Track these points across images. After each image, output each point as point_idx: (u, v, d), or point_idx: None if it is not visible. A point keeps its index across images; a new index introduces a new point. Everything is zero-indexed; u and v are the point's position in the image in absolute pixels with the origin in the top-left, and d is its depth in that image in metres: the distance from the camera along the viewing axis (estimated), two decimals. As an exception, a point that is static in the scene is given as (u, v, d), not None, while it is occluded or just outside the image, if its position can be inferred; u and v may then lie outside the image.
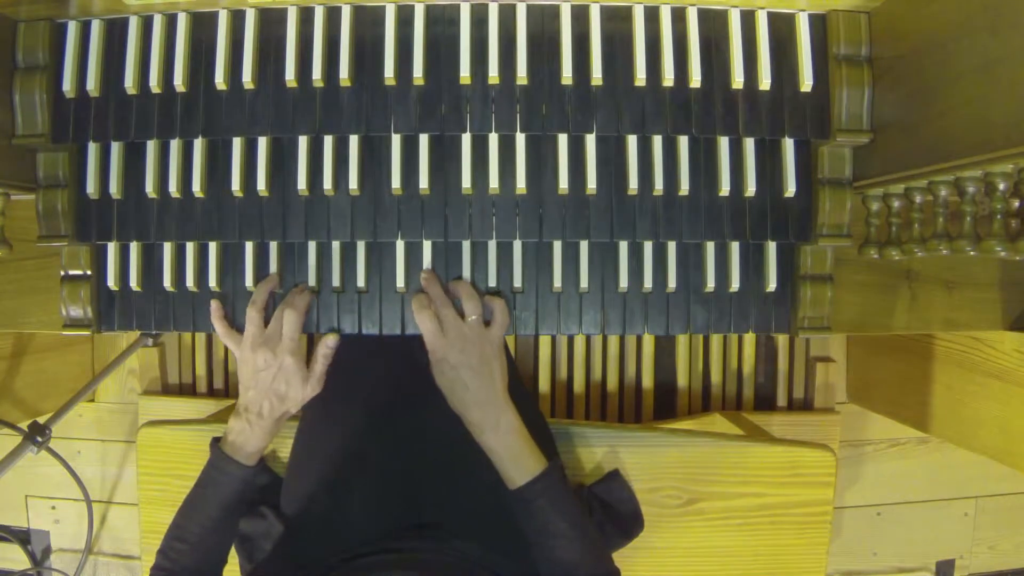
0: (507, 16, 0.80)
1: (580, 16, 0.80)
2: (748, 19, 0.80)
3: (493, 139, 0.82)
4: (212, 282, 0.86)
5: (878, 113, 0.78)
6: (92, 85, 0.81)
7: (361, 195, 0.83)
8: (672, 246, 0.85)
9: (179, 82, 0.80)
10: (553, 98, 0.80)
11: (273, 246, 0.85)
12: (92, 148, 0.84)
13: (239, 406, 0.83)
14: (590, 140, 0.81)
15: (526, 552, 0.81)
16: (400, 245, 0.85)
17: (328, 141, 0.82)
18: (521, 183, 0.82)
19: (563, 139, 0.82)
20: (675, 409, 1.62)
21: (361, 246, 0.85)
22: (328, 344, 0.85)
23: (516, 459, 0.79)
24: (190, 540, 0.79)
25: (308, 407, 0.98)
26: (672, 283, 0.85)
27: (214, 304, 0.85)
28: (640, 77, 0.79)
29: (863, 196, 0.82)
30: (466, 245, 0.85)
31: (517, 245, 0.85)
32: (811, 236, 0.83)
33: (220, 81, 0.80)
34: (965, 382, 1.21)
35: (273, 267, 0.85)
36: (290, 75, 0.79)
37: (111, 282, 0.87)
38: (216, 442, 0.83)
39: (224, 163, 0.83)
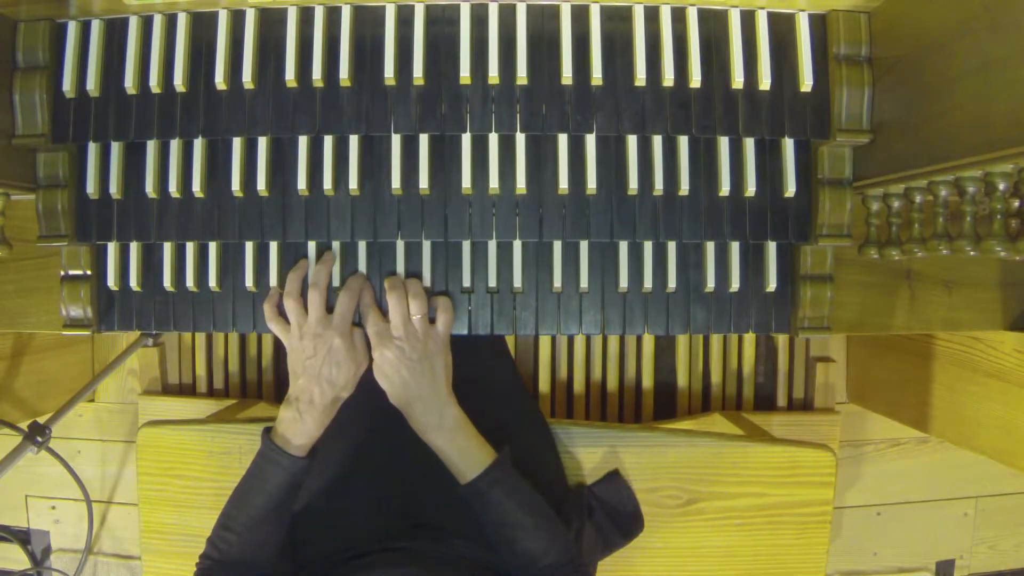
0: (507, 16, 0.80)
1: (580, 16, 0.80)
2: (748, 19, 0.80)
3: (493, 139, 0.82)
4: (212, 282, 0.86)
5: (878, 113, 0.78)
6: (92, 85, 0.81)
7: (361, 195, 0.83)
8: (672, 246, 0.85)
9: (179, 82, 0.80)
10: (553, 98, 0.80)
11: (273, 246, 0.85)
12: (92, 148, 0.84)
13: (289, 395, 0.81)
14: (590, 140, 0.81)
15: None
16: (400, 245, 0.85)
17: (328, 141, 0.82)
18: (521, 183, 0.82)
19: (563, 139, 0.82)
20: (675, 409, 1.62)
21: (361, 246, 0.85)
22: (366, 302, 0.83)
23: (464, 454, 0.79)
24: (237, 531, 0.78)
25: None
26: (672, 283, 0.85)
27: (272, 290, 0.84)
28: (640, 77, 0.79)
29: (863, 196, 0.82)
30: (466, 245, 0.85)
31: (517, 245, 0.85)
32: (811, 236, 0.83)
33: (220, 81, 0.80)
34: (965, 382, 1.21)
35: (273, 267, 0.85)
36: (290, 75, 0.79)
37: (111, 282, 0.87)
38: (267, 432, 0.80)
39: (224, 163, 0.83)
